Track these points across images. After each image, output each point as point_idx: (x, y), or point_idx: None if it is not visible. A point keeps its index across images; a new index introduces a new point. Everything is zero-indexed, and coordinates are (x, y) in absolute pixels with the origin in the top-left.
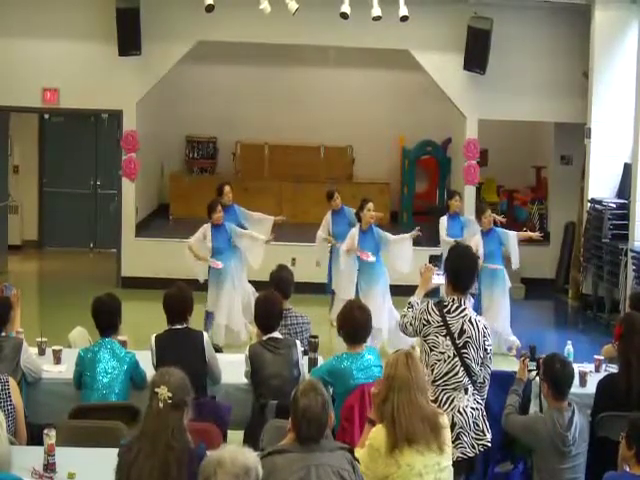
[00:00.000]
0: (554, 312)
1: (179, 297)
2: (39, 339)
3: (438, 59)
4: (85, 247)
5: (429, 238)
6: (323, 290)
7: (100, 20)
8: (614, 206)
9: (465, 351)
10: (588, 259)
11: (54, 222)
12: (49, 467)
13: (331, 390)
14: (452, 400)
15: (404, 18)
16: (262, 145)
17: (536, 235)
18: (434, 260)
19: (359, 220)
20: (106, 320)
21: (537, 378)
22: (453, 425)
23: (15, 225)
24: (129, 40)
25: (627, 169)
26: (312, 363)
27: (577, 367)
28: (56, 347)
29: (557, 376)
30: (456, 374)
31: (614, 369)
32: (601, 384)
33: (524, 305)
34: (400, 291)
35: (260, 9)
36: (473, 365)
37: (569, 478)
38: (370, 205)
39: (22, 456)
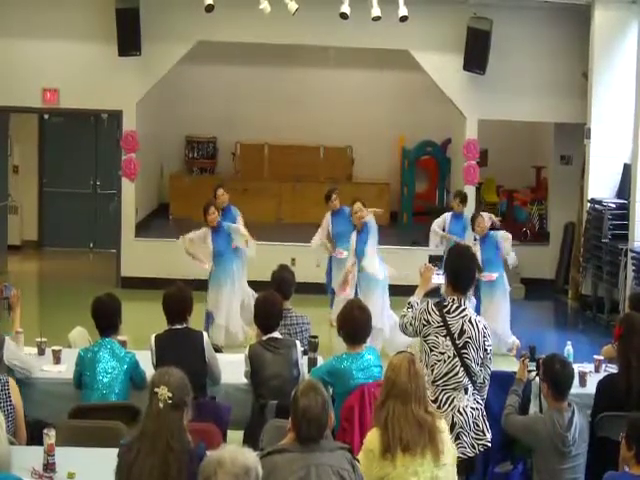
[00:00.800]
0: (554, 312)
1: (179, 297)
2: (39, 339)
3: (438, 59)
4: (85, 247)
5: (428, 238)
6: (323, 290)
7: (100, 20)
8: (614, 206)
9: (465, 351)
10: (588, 259)
11: (54, 222)
12: (49, 467)
13: (331, 390)
14: (452, 400)
15: (404, 18)
16: (262, 145)
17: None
18: (434, 260)
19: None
20: (106, 320)
21: (537, 378)
22: (453, 425)
23: (15, 225)
24: (129, 40)
25: (627, 169)
26: (312, 363)
27: (577, 367)
28: (56, 347)
29: (557, 376)
30: (456, 374)
31: (614, 369)
32: (601, 384)
33: (524, 305)
34: (400, 291)
35: (260, 9)
36: (473, 365)
37: (569, 478)
38: (356, 206)
39: (22, 456)
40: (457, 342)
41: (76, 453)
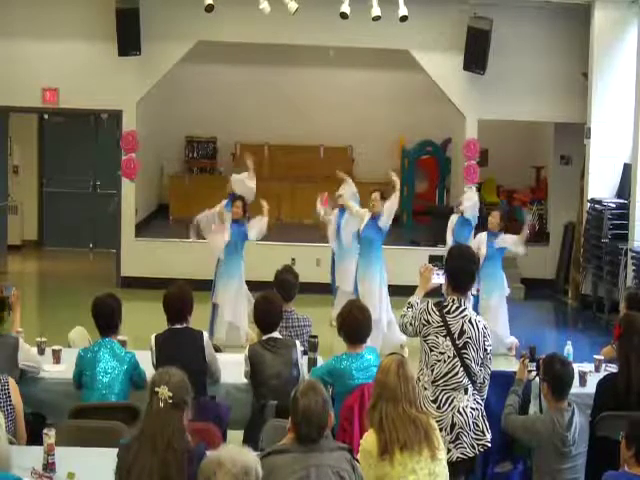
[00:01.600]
0: (554, 312)
1: (179, 297)
2: (39, 339)
3: (438, 59)
4: (85, 247)
5: (428, 238)
6: (323, 290)
7: (100, 20)
8: (614, 206)
9: (465, 351)
10: (588, 259)
11: (54, 222)
12: (49, 467)
13: (331, 390)
14: (452, 400)
15: (404, 18)
16: (262, 145)
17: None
18: (434, 260)
19: None
20: (106, 320)
21: (537, 378)
22: (453, 425)
23: (15, 225)
24: (129, 40)
25: (627, 169)
26: (312, 363)
27: (577, 367)
28: (56, 347)
29: (557, 376)
30: (456, 374)
31: (614, 369)
32: (601, 384)
33: (524, 305)
34: (400, 291)
35: (260, 9)
36: (473, 365)
37: (569, 478)
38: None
39: (22, 456)
40: (457, 342)
41: (76, 453)
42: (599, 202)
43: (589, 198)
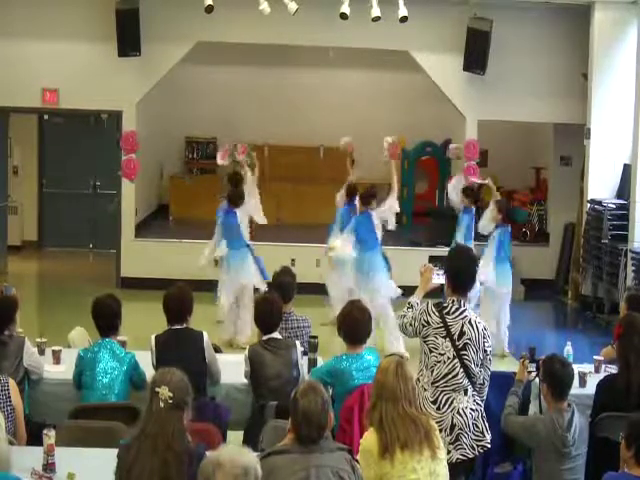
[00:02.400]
0: (553, 313)
1: (179, 297)
2: (39, 339)
3: (438, 60)
4: (85, 248)
5: (428, 238)
6: (323, 291)
7: (100, 21)
8: (614, 207)
9: (465, 352)
10: (587, 260)
11: (54, 223)
12: (49, 467)
13: (330, 391)
14: (452, 401)
15: (404, 19)
16: (262, 146)
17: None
18: (434, 260)
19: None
20: (106, 321)
21: (537, 379)
22: (453, 426)
23: (15, 226)
24: (129, 41)
25: (627, 170)
26: (312, 364)
27: (577, 368)
28: (56, 347)
29: (557, 376)
30: (456, 375)
31: (614, 370)
32: (600, 385)
33: (523, 306)
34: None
35: (259, 10)
36: (472, 366)
37: (569, 479)
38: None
39: (22, 456)
40: (457, 343)
41: (76, 453)
42: (599, 203)
43: (589, 199)
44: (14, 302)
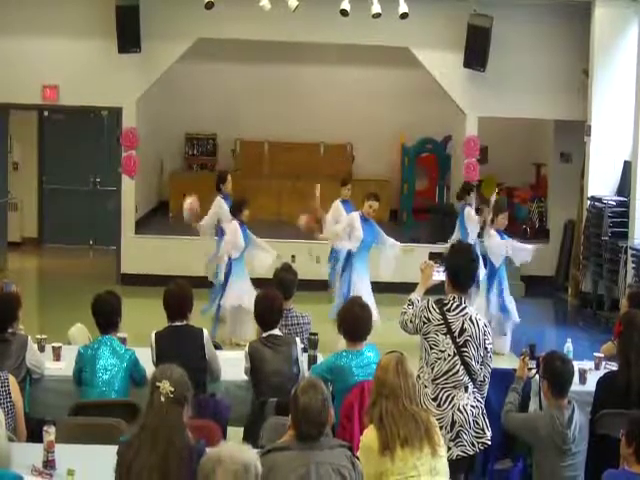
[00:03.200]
0: (553, 310)
1: (179, 294)
2: (39, 336)
3: (438, 56)
4: (85, 244)
5: (428, 235)
6: (323, 287)
7: (100, 17)
8: (614, 204)
9: (465, 350)
10: (588, 257)
11: (54, 219)
12: (48, 464)
13: (330, 387)
14: (452, 398)
15: (404, 15)
16: (262, 142)
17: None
18: (434, 257)
19: None
20: (106, 318)
21: (537, 376)
22: (453, 423)
23: (15, 222)
24: (129, 37)
25: (627, 167)
26: (312, 360)
27: (577, 365)
28: (56, 344)
29: (557, 373)
30: (456, 372)
31: (614, 367)
32: (601, 381)
33: (523, 303)
34: (400, 288)
35: (260, 6)
36: (473, 363)
37: (569, 476)
38: (377, 205)
39: (22, 453)
40: (457, 340)
41: (76, 450)
42: (599, 200)
43: (589, 196)
44: (17, 299)
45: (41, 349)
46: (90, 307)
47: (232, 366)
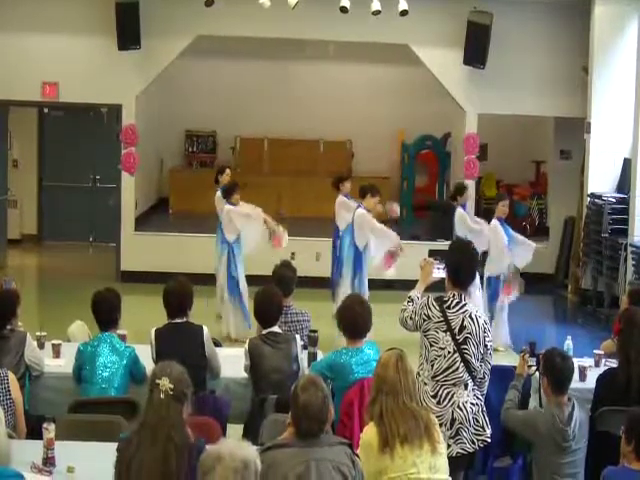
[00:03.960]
0: (553, 307)
1: (179, 291)
2: (38, 333)
3: (438, 54)
4: (84, 241)
5: (428, 232)
6: (323, 284)
7: (100, 14)
8: (614, 201)
9: (465, 347)
10: (587, 254)
11: (53, 216)
12: (48, 461)
13: (330, 385)
14: (452, 396)
15: (404, 12)
16: (261, 139)
17: None
18: (434, 254)
19: None
20: (106, 315)
21: (537, 373)
22: (453, 420)
23: (14, 219)
24: (129, 34)
25: (627, 164)
26: (311, 357)
27: (577, 362)
28: (55, 341)
29: (557, 370)
30: (456, 370)
31: (614, 364)
32: (600, 379)
33: (523, 300)
34: (400, 285)
35: (259, 3)
36: (473, 361)
37: (569, 473)
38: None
39: (21, 450)
40: (457, 337)
41: (75, 447)
42: (599, 197)
43: (589, 193)
44: (16, 296)
45: (41, 346)
46: (90, 304)
47: (232, 363)
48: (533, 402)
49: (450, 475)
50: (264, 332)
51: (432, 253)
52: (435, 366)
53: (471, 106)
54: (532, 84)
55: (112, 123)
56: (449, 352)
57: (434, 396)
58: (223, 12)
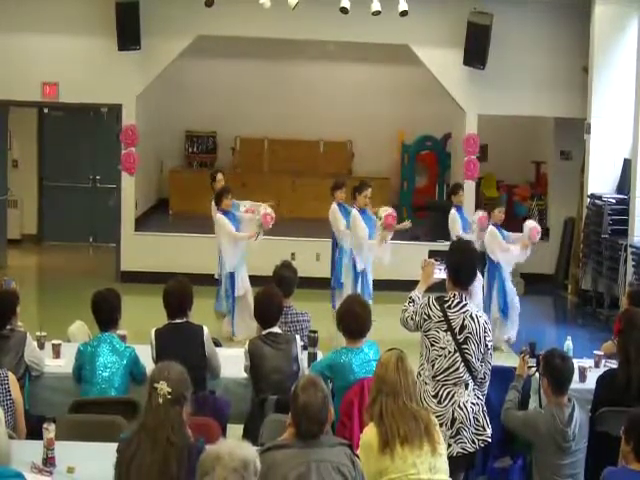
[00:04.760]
0: (553, 308)
1: (179, 291)
2: (39, 333)
3: (438, 54)
4: (84, 241)
5: (428, 233)
6: (323, 285)
7: (100, 14)
8: (614, 201)
9: (466, 347)
10: (587, 254)
11: (53, 216)
12: (48, 461)
13: (330, 385)
14: (452, 395)
15: (404, 13)
16: (261, 140)
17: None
18: (434, 255)
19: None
20: (106, 315)
21: (537, 374)
22: (453, 420)
23: (14, 219)
24: (129, 35)
25: (627, 164)
26: (311, 358)
27: (577, 363)
28: (55, 341)
29: (557, 371)
30: (456, 369)
31: (614, 364)
32: (600, 379)
33: (523, 300)
34: (399, 286)
35: (260, 3)
36: (473, 361)
37: (569, 473)
38: (369, 191)
39: (21, 450)
40: (458, 337)
41: (76, 447)
42: (599, 197)
43: (589, 193)
44: (15, 296)
45: (41, 346)
46: (90, 304)
47: (232, 363)
48: (533, 403)
49: (451, 475)
50: (264, 332)
51: (432, 254)
52: (436, 366)
53: (471, 106)
54: (532, 84)
55: (112, 123)
56: (450, 352)
57: (435, 396)
58: (223, 12)
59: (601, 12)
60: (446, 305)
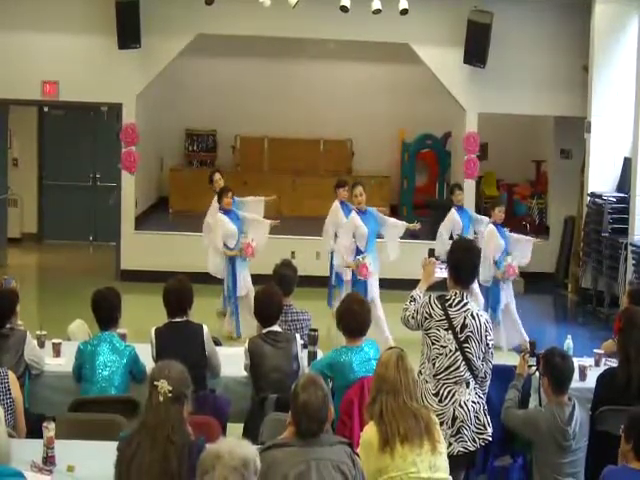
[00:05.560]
0: (553, 306)
1: (179, 290)
2: (39, 332)
3: (438, 53)
4: (85, 240)
5: (428, 232)
6: (323, 283)
7: (100, 13)
8: (614, 200)
9: (467, 345)
10: (588, 253)
11: (54, 215)
12: (48, 460)
13: (330, 384)
14: (453, 394)
15: (404, 11)
16: (262, 138)
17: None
18: (434, 254)
19: None
20: (106, 314)
21: (537, 373)
22: (454, 419)
23: (15, 218)
24: (129, 33)
25: (627, 163)
26: (311, 357)
27: (577, 361)
28: (55, 340)
29: (557, 370)
30: (457, 368)
31: (614, 363)
32: (600, 378)
33: (523, 299)
34: (399, 284)
35: (260, 2)
36: (474, 359)
37: (569, 472)
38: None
39: (21, 449)
40: (459, 336)
41: (76, 446)
42: (599, 196)
43: (589, 192)
44: (15, 295)
45: (41, 345)
46: (90, 303)
47: (232, 362)
48: (533, 402)
49: (451, 474)
50: (264, 331)
51: (432, 252)
52: (437, 364)
53: (471, 105)
54: (532, 83)
55: (112, 122)
56: (450, 350)
57: (436, 394)
58: (223, 11)
59: (601, 11)
60: (447, 304)
